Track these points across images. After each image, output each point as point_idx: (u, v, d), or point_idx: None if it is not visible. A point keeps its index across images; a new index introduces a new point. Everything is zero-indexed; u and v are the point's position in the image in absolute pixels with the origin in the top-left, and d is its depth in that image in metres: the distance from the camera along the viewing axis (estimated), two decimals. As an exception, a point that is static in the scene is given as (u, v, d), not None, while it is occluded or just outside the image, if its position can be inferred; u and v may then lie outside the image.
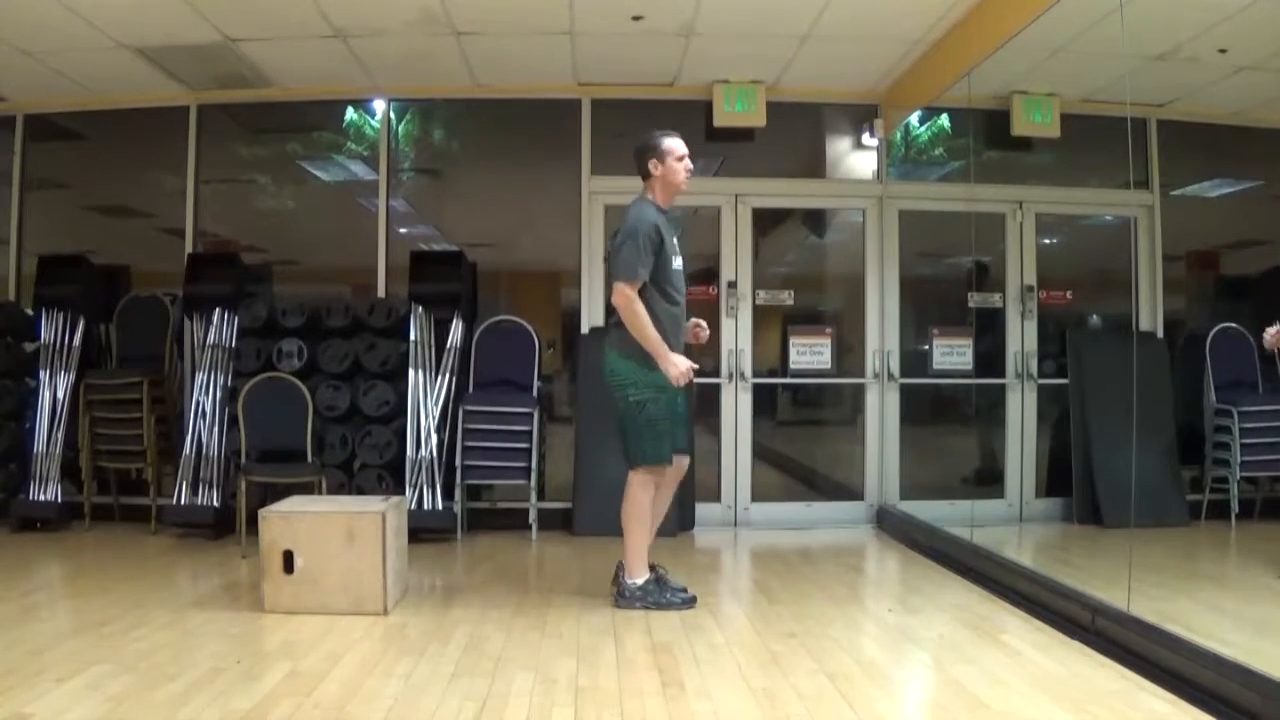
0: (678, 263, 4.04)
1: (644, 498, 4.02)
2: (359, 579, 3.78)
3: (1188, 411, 6.05)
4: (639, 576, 4.02)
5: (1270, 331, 4.39)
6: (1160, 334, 6.26)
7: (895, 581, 4.89)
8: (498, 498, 5.98)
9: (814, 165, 6.49)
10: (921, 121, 6.40)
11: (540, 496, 5.70)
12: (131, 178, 6.52)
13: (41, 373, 5.72)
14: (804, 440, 7.03)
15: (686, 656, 3.31)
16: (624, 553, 4.05)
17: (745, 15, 5.03)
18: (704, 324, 4.23)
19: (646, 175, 4.05)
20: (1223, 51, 5.16)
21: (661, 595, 4.00)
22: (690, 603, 4.01)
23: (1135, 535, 4.91)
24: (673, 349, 3.94)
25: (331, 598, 3.77)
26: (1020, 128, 5.96)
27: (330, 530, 3.79)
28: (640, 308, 3.85)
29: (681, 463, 4.21)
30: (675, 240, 4.07)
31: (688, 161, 4.06)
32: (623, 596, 4.01)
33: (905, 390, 6.22)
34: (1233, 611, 4.10)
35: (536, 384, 5.80)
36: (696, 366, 3.98)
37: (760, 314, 6.24)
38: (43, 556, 5.01)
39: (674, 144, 4.03)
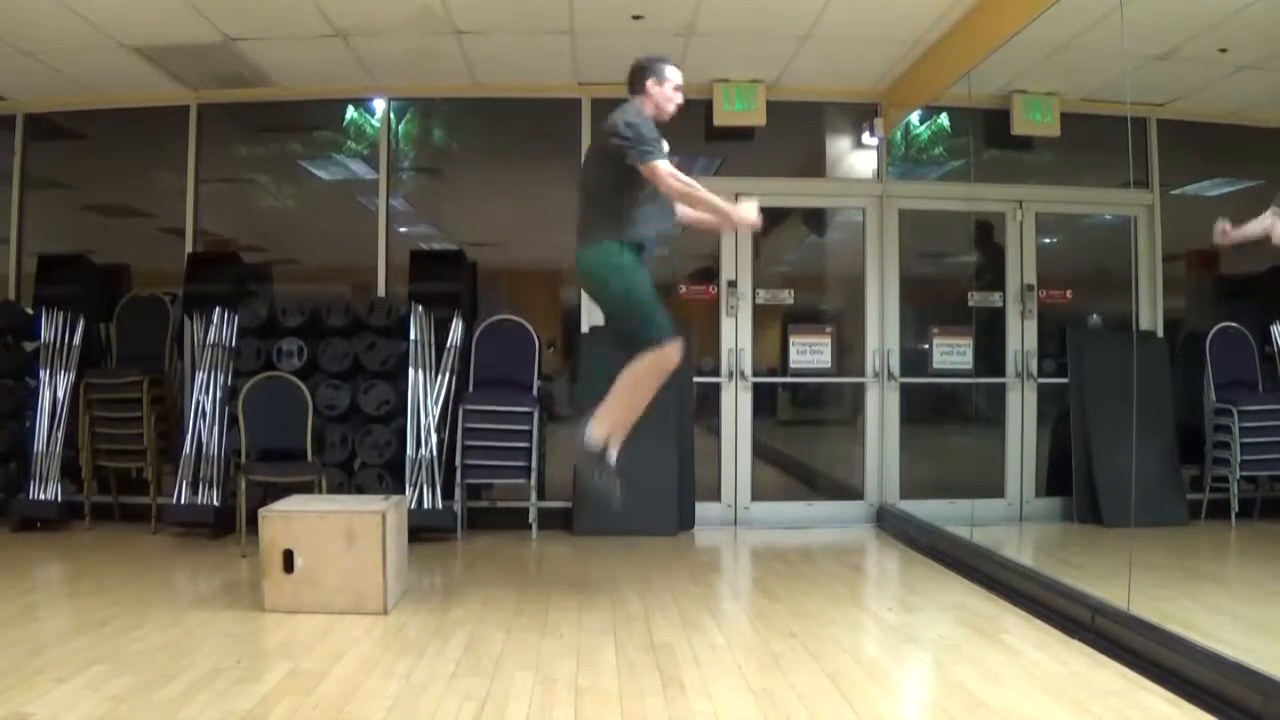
0: None
1: (654, 381, 3.81)
2: (359, 578, 3.78)
3: (1188, 411, 6.05)
4: (601, 440, 3.84)
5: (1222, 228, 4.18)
6: (1160, 333, 6.26)
7: (895, 581, 4.89)
8: (497, 497, 5.98)
9: (814, 164, 6.49)
10: (922, 120, 6.40)
11: (540, 496, 5.70)
12: (131, 177, 6.51)
13: (41, 372, 5.72)
14: (804, 439, 7.04)
15: (686, 656, 3.31)
16: (605, 410, 3.84)
17: (745, 15, 5.03)
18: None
19: (639, 92, 4.02)
20: (1223, 51, 5.16)
21: (600, 474, 3.85)
22: (613, 488, 3.86)
23: (1135, 535, 4.91)
24: (649, 238, 3.89)
25: (331, 597, 3.77)
26: (1020, 127, 5.96)
27: (330, 530, 3.79)
28: (686, 178, 3.74)
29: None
30: None
31: (680, 96, 4.06)
32: (587, 443, 3.83)
33: (905, 389, 6.23)
34: (1233, 611, 4.10)
35: (536, 383, 5.80)
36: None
37: (760, 313, 6.24)
38: (43, 556, 5.01)
39: (674, 72, 4.05)
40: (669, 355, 3.80)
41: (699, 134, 6.09)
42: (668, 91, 4.01)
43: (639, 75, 4.02)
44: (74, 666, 3.06)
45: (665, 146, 3.78)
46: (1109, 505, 5.69)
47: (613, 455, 3.89)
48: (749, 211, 3.84)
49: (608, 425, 3.87)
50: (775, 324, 6.37)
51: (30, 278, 6.03)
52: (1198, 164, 6.47)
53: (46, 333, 5.76)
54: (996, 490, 6.10)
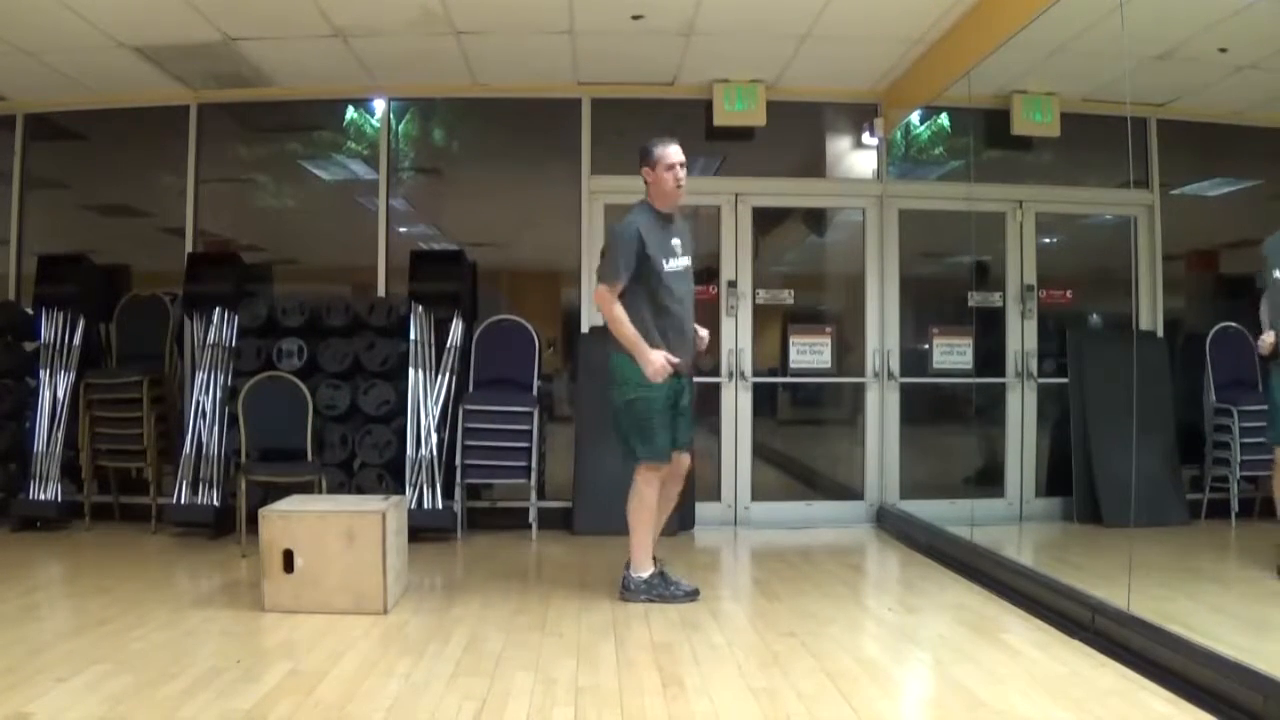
0: (675, 264, 4.05)
1: (649, 493, 4.08)
2: (359, 578, 3.79)
3: (1188, 411, 6.05)
4: (644, 570, 4.08)
5: (1266, 339, 4.53)
6: (1160, 333, 6.26)
7: (895, 581, 4.89)
8: (497, 497, 5.98)
9: (814, 164, 6.49)
10: (921, 121, 6.40)
11: (540, 495, 5.70)
12: (131, 177, 6.51)
13: (41, 372, 5.72)
14: (804, 439, 7.03)
15: (686, 655, 3.31)
16: (630, 547, 4.10)
17: (745, 15, 5.03)
18: (705, 334, 4.25)
19: (646, 181, 4.10)
20: (1223, 51, 5.15)
21: (665, 588, 4.06)
22: (693, 595, 4.08)
23: (1135, 535, 4.91)
24: (673, 351, 3.98)
25: (331, 597, 3.77)
26: (1020, 127, 5.95)
27: (330, 530, 3.80)
28: (618, 309, 3.94)
29: (682, 460, 4.22)
30: (678, 242, 4.08)
31: (679, 171, 4.03)
32: (626, 589, 4.06)
33: (905, 389, 6.22)
34: (1233, 611, 4.09)
35: (536, 383, 5.80)
36: (676, 361, 3.98)
37: (760, 313, 6.24)
38: (43, 556, 5.01)
39: (665, 152, 4.02)
40: (657, 474, 4.07)
41: (699, 134, 6.09)
42: (662, 174, 4.00)
43: (641, 162, 4.07)
44: (74, 666, 3.06)
45: (624, 274, 3.92)
46: (1109, 505, 5.69)
47: (655, 566, 4.13)
48: (655, 361, 3.92)
49: (645, 553, 4.09)
50: (775, 324, 6.37)
51: (30, 278, 6.01)
52: (1198, 164, 6.47)
53: (46, 333, 5.76)
54: (996, 490, 6.10)
